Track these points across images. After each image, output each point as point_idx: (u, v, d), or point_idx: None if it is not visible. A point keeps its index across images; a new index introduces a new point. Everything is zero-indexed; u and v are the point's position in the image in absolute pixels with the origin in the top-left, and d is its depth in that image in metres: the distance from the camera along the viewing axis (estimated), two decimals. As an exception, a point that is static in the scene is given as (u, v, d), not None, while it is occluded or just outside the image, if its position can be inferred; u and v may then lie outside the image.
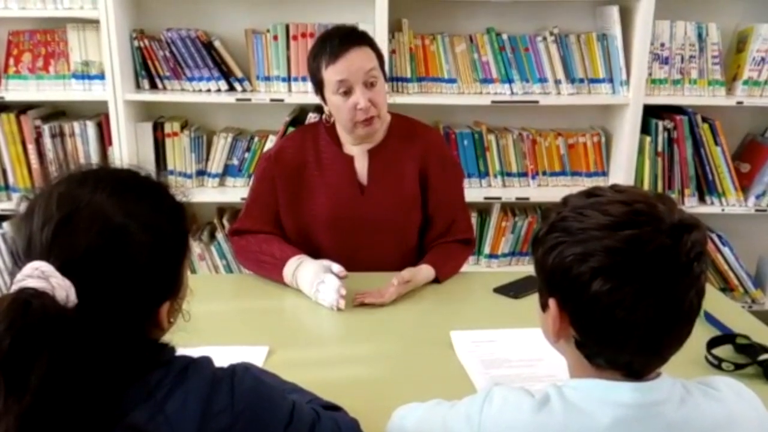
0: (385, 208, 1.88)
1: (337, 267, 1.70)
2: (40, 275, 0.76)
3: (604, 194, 0.89)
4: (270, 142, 2.65)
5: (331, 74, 1.77)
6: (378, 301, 1.67)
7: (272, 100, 2.63)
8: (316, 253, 1.82)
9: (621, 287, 0.82)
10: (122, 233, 0.82)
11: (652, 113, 2.74)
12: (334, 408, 1.10)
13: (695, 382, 0.92)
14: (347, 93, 1.77)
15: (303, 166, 1.90)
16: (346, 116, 1.80)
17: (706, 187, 2.78)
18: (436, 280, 1.81)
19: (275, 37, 2.64)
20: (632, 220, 0.84)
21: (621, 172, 2.72)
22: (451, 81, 2.69)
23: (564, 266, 0.86)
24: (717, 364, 1.37)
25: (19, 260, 0.81)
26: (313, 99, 2.59)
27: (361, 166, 1.90)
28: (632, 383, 0.87)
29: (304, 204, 1.89)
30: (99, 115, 2.70)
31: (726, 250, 2.79)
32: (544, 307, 0.92)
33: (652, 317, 0.83)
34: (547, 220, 0.91)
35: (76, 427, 0.75)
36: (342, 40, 1.78)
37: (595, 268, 0.83)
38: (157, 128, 2.70)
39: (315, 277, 1.69)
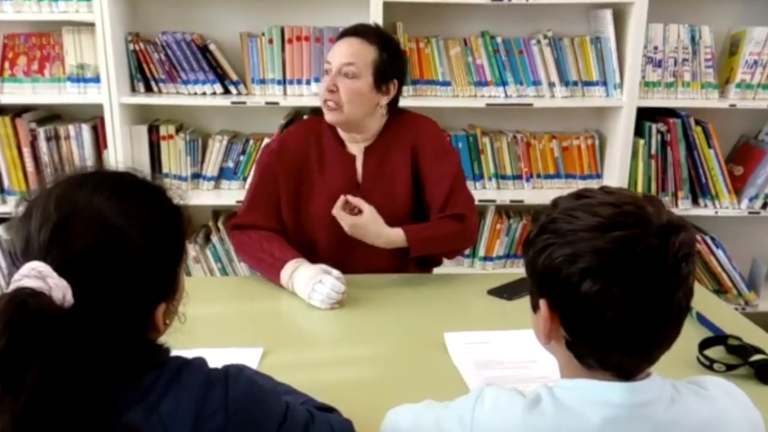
0: (380, 206, 1.87)
1: (336, 272, 1.71)
2: (38, 275, 0.76)
3: (594, 196, 0.90)
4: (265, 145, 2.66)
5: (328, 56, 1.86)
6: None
7: (267, 103, 2.63)
8: (311, 248, 1.84)
9: (610, 288, 0.83)
10: (119, 235, 0.83)
11: (645, 116, 2.75)
12: (328, 409, 1.11)
13: (685, 382, 0.93)
14: (327, 73, 1.84)
15: (305, 161, 1.92)
16: (320, 96, 1.86)
17: (699, 190, 2.79)
18: (408, 253, 1.82)
19: (270, 41, 2.65)
20: (621, 221, 0.84)
21: (615, 174, 2.74)
22: (446, 84, 2.70)
23: (554, 267, 0.86)
24: (709, 365, 1.38)
25: (17, 261, 0.81)
26: (308, 102, 2.63)
27: (360, 165, 1.93)
28: (622, 383, 0.87)
29: (303, 200, 1.91)
30: (94, 118, 2.70)
31: (719, 253, 2.80)
32: (535, 308, 0.93)
33: (640, 318, 0.84)
34: (538, 222, 0.92)
35: (71, 426, 0.75)
36: (356, 27, 1.86)
37: (584, 269, 0.84)
38: (153, 131, 2.70)
39: (313, 277, 1.70)
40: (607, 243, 0.83)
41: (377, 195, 1.89)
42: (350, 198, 1.79)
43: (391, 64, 1.86)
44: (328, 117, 1.86)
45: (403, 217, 1.93)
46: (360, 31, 1.85)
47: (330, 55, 1.85)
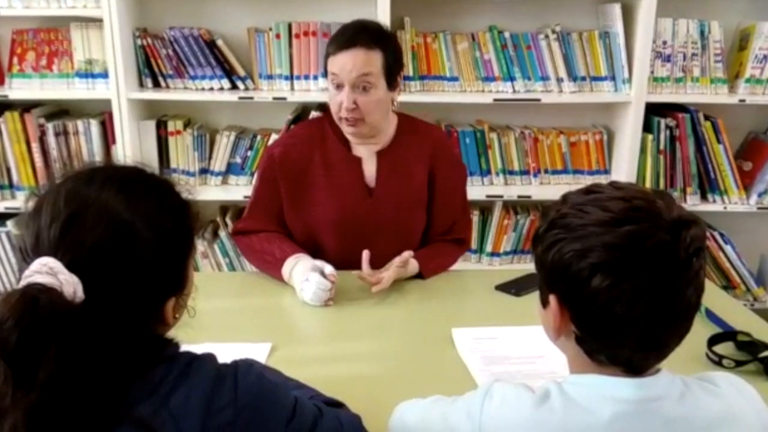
0: (393, 210, 1.88)
1: (329, 269, 1.70)
2: (48, 271, 0.77)
3: (603, 191, 0.90)
4: (273, 141, 2.65)
5: (329, 64, 1.79)
6: (375, 287, 1.69)
7: (275, 98, 2.63)
8: (319, 253, 1.83)
9: (620, 283, 0.82)
10: (129, 230, 0.83)
11: (654, 111, 2.74)
12: (337, 404, 1.11)
13: (695, 378, 0.93)
14: (339, 87, 1.78)
15: (308, 165, 1.88)
16: (333, 109, 1.82)
17: (708, 185, 2.78)
18: (420, 276, 1.83)
19: (278, 36, 2.65)
20: (631, 216, 0.84)
21: (623, 170, 2.73)
22: (453, 79, 2.69)
23: (564, 263, 0.86)
24: (718, 361, 1.38)
25: (27, 256, 0.81)
26: (316, 97, 2.63)
27: (369, 168, 1.89)
28: (631, 379, 0.87)
29: (309, 204, 1.88)
30: (102, 114, 2.71)
31: (728, 248, 2.79)
32: (545, 303, 0.93)
33: (650, 313, 0.83)
34: (547, 218, 0.91)
35: (82, 420, 0.76)
36: (353, 35, 1.77)
37: (594, 264, 0.83)
38: (160, 126, 2.71)
39: (302, 275, 1.70)
40: (618, 238, 0.83)
41: (392, 201, 1.88)
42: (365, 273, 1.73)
43: (396, 60, 1.83)
44: (351, 132, 1.83)
45: (416, 226, 1.93)
46: (359, 40, 1.75)
47: (335, 68, 1.76)
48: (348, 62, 1.74)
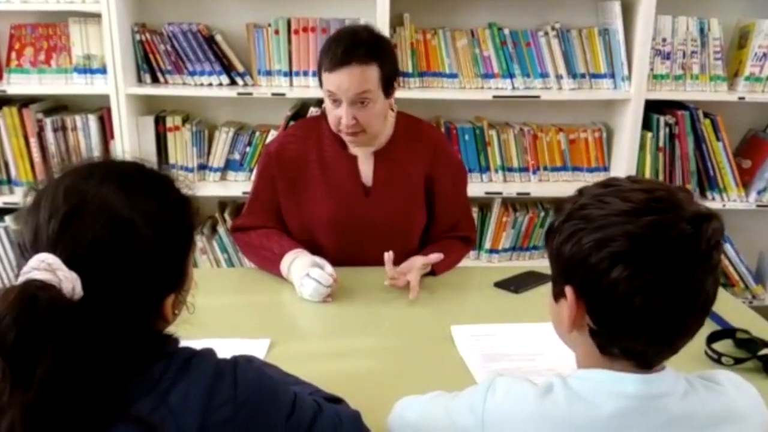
0: (391, 210, 1.87)
1: (329, 268, 1.69)
2: (47, 267, 0.76)
3: (622, 183, 0.89)
4: (271, 137, 2.65)
5: (325, 81, 1.74)
6: (412, 294, 1.68)
7: (273, 94, 2.63)
8: (317, 251, 1.82)
9: (640, 274, 0.82)
10: (128, 226, 0.82)
11: (653, 109, 2.74)
12: (336, 400, 1.11)
13: (697, 376, 0.93)
14: (336, 102, 1.75)
15: (304, 163, 1.88)
16: (332, 122, 1.80)
17: (707, 183, 2.78)
18: (432, 273, 1.83)
19: (276, 32, 2.64)
20: (653, 206, 0.83)
21: (622, 167, 2.73)
22: (453, 76, 2.69)
23: (583, 253, 0.85)
24: (717, 359, 1.38)
25: (25, 252, 0.81)
26: (315, 93, 2.62)
27: (366, 168, 1.88)
28: (637, 375, 0.87)
29: (306, 203, 1.88)
30: (101, 109, 2.70)
31: (727, 246, 2.79)
32: (557, 297, 0.92)
33: (669, 305, 0.83)
34: (563, 211, 0.90)
35: (80, 418, 0.75)
36: (346, 51, 1.70)
37: (615, 253, 0.82)
38: (159, 122, 2.70)
39: (302, 270, 1.70)
40: (641, 227, 0.82)
41: (389, 201, 1.87)
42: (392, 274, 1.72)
43: (393, 68, 1.80)
44: (351, 141, 1.82)
45: (415, 226, 1.93)
46: (354, 56, 1.69)
47: (331, 85, 1.72)
48: (344, 81, 1.70)
